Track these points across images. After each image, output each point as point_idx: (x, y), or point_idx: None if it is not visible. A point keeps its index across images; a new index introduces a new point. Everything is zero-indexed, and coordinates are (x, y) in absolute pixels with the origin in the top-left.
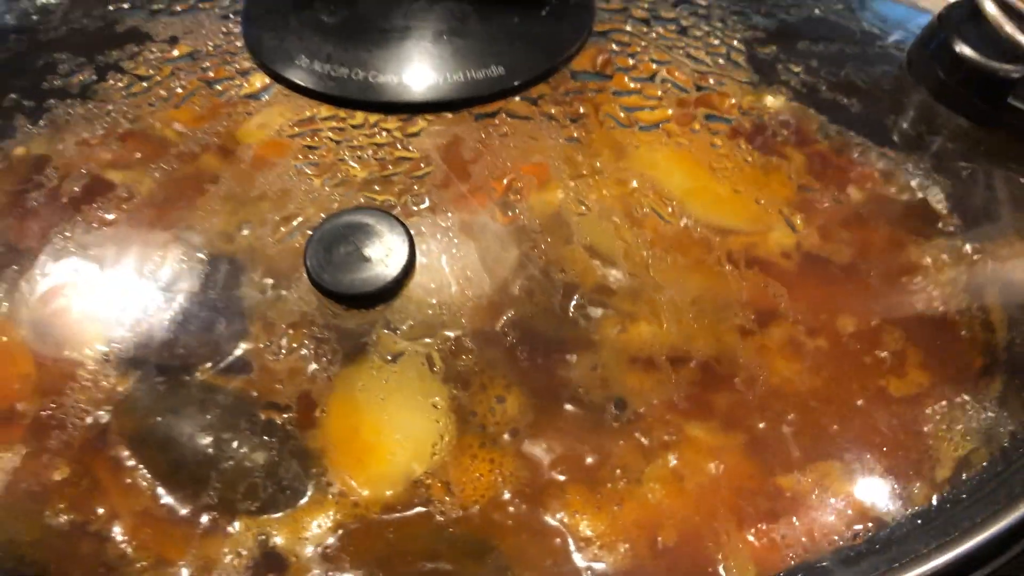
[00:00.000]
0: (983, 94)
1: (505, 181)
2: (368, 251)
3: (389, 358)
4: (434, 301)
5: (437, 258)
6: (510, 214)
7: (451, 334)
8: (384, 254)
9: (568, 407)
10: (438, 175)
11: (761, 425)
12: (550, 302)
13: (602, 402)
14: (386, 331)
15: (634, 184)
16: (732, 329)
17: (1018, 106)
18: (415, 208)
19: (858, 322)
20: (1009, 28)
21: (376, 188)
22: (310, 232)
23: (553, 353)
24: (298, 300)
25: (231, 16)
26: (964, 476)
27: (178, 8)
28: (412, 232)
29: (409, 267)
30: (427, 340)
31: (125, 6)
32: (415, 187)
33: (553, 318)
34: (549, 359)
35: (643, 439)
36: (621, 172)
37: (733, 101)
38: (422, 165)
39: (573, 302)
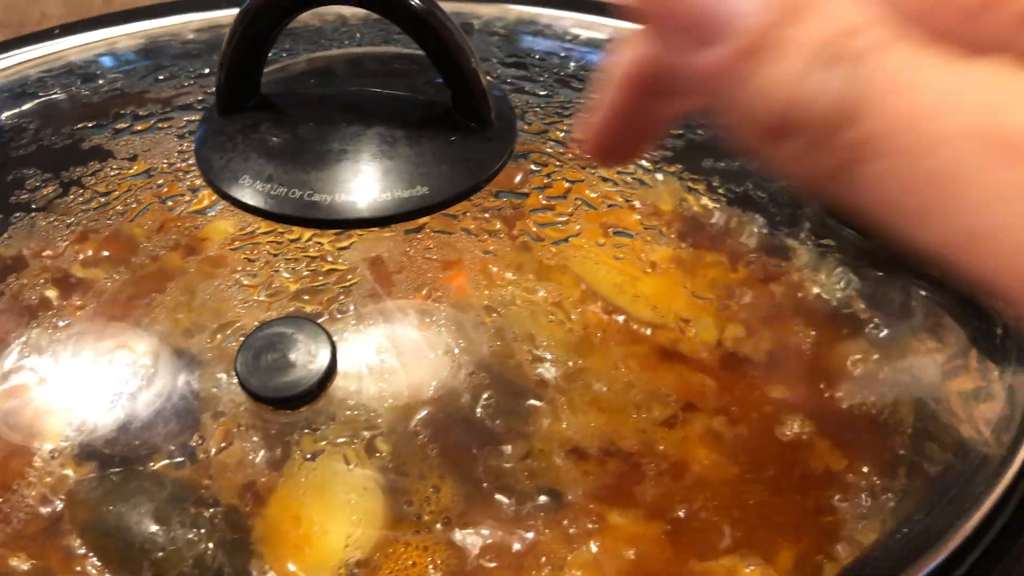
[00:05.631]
0: None
1: (425, 291)
2: (292, 357)
3: (309, 456)
4: (353, 403)
5: (360, 362)
6: (428, 321)
7: (373, 431)
8: (308, 360)
9: (498, 496)
10: (364, 285)
11: (680, 513)
12: (473, 398)
13: (531, 492)
14: (308, 431)
15: (541, 293)
16: (654, 421)
17: None
18: (339, 316)
19: (773, 413)
20: None
21: (306, 298)
22: (243, 338)
23: (483, 445)
24: (230, 402)
25: (187, 135)
26: (864, 555)
27: (139, 127)
28: (335, 339)
29: (330, 371)
30: (348, 437)
31: (90, 125)
32: (342, 297)
33: (473, 413)
34: (481, 450)
35: (569, 527)
36: (532, 281)
37: (638, 217)
38: (349, 276)
39: (483, 400)
